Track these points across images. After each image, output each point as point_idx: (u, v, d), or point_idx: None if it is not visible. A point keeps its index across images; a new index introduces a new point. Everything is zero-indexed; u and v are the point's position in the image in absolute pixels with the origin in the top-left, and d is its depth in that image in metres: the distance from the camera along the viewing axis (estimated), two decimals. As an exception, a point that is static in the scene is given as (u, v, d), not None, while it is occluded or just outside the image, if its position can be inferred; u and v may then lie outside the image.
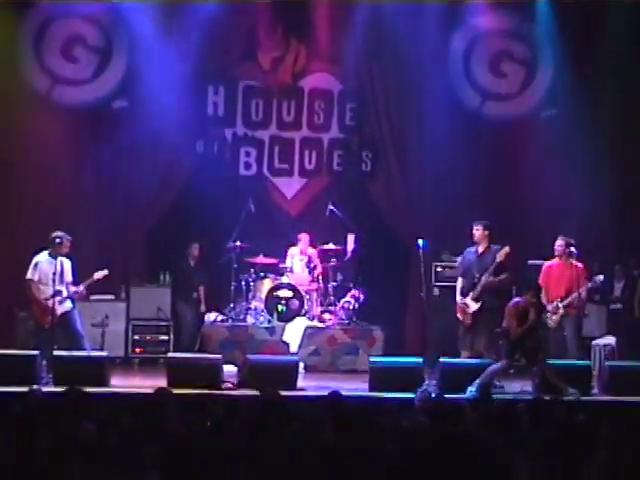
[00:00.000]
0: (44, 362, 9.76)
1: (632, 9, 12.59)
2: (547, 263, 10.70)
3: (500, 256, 10.23)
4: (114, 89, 12.72)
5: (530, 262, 11.96)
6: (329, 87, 13.46)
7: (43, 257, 10.24)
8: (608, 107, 13.09)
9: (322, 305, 12.32)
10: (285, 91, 13.44)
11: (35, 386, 8.30)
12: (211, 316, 12.13)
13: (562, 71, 12.97)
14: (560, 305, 10.35)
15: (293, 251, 12.47)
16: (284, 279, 12.09)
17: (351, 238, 12.57)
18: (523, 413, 5.64)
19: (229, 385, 9.82)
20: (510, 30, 13.28)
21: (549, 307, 10.39)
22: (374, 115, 13.26)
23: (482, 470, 2.06)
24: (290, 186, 13.50)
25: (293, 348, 11.64)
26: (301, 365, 10.81)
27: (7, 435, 4.99)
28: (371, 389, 9.85)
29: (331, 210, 12.58)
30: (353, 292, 12.25)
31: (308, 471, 3.75)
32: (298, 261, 12.37)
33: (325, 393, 6.79)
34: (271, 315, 11.88)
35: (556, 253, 10.55)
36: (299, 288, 11.96)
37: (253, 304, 12.13)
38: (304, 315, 11.98)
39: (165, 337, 12.19)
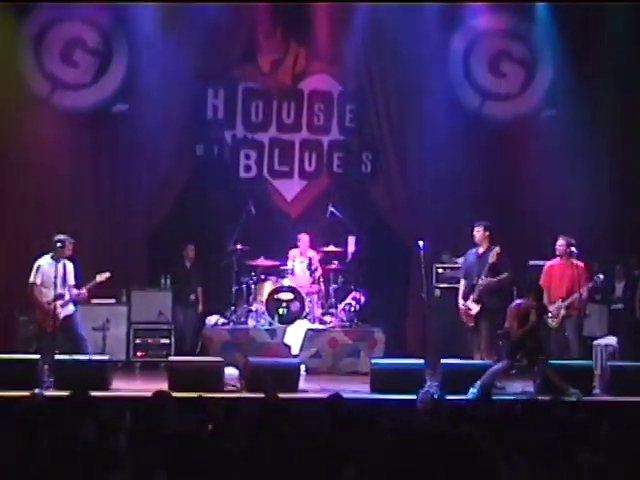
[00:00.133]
0: (45, 366, 9.76)
1: (631, 9, 12.58)
2: (548, 263, 10.70)
3: (492, 257, 10.25)
4: (114, 92, 12.72)
5: (531, 262, 11.97)
6: (329, 89, 13.46)
7: (45, 260, 10.24)
8: (608, 107, 13.09)
9: (323, 307, 12.32)
10: (285, 93, 13.44)
11: (37, 390, 8.32)
12: (212, 319, 12.13)
13: (562, 71, 12.98)
14: (562, 305, 10.35)
15: (294, 253, 12.47)
16: (285, 282, 12.09)
17: (352, 240, 12.56)
18: (520, 414, 5.64)
19: (231, 388, 9.82)
20: (510, 30, 13.29)
21: (551, 308, 10.39)
22: (374, 116, 13.26)
23: (470, 470, 2.05)
24: (290, 188, 13.50)
25: (294, 350, 11.63)
26: (302, 367, 10.81)
27: (9, 438, 4.99)
28: (372, 391, 9.85)
29: (331, 212, 12.57)
30: (354, 294, 12.25)
31: (307, 472, 3.75)
32: (299, 263, 12.36)
33: (326, 395, 6.78)
34: (272, 318, 11.88)
35: (557, 253, 10.56)
36: (300, 290, 11.95)
37: (254, 307, 12.13)
38: (305, 317, 11.98)
39: (166, 341, 12.17)
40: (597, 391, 9.99)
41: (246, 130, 13.36)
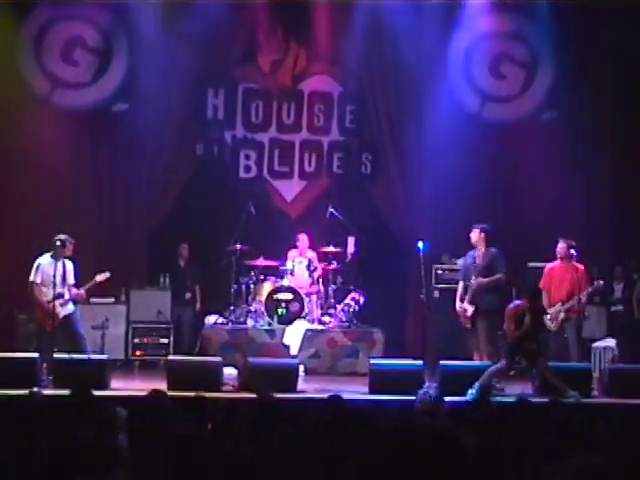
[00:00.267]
0: (44, 365, 9.77)
1: (631, 9, 12.58)
2: (549, 265, 10.70)
3: (479, 258, 10.36)
4: (114, 92, 12.72)
5: (530, 264, 11.98)
6: (329, 89, 13.47)
7: (45, 259, 10.24)
8: (608, 109, 13.10)
9: (322, 308, 12.32)
10: (285, 93, 13.45)
11: (35, 389, 8.31)
12: (211, 319, 12.13)
13: (562, 73, 12.97)
14: (562, 309, 10.36)
15: (293, 254, 12.48)
16: (284, 282, 12.09)
17: (351, 241, 12.56)
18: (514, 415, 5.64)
19: (229, 388, 9.82)
20: (510, 32, 13.28)
21: (550, 311, 10.39)
22: (374, 117, 13.26)
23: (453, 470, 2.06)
24: (290, 189, 13.50)
25: (293, 351, 11.63)
26: (301, 368, 10.81)
27: (7, 436, 4.99)
28: (371, 392, 9.84)
29: (331, 213, 12.58)
30: (353, 294, 12.25)
31: (305, 473, 3.75)
32: (298, 264, 12.36)
33: (325, 396, 6.78)
34: (271, 318, 11.88)
35: (558, 256, 10.56)
36: (299, 291, 11.96)
37: (253, 307, 12.13)
38: (304, 318, 11.98)
39: (165, 340, 12.17)
40: (596, 393, 9.99)
41: (246, 130, 13.37)
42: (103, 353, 10.82)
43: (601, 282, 10.67)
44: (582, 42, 12.80)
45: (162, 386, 8.95)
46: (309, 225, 12.92)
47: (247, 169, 13.42)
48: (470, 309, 10.28)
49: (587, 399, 9.47)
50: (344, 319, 12.17)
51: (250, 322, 12.05)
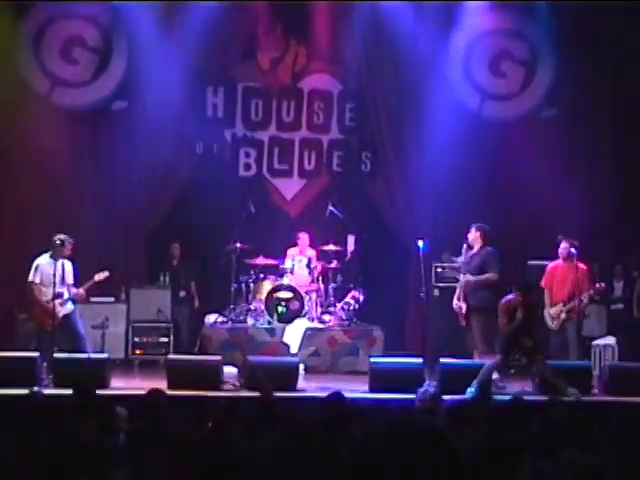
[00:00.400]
0: (44, 364, 9.77)
1: (632, 8, 12.57)
2: (551, 264, 10.70)
3: (464, 256, 10.47)
4: (113, 90, 12.71)
5: (530, 262, 11.97)
6: (328, 88, 13.46)
7: (44, 259, 10.25)
8: (609, 106, 13.09)
9: (322, 306, 12.31)
10: (284, 92, 13.44)
11: (35, 388, 8.31)
12: (211, 318, 12.13)
13: (562, 71, 12.96)
14: (563, 309, 10.36)
15: (293, 252, 12.47)
16: (284, 280, 12.08)
17: (351, 239, 12.56)
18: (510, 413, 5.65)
19: (230, 386, 9.82)
20: (510, 29, 13.27)
21: (552, 310, 10.40)
22: (374, 115, 13.24)
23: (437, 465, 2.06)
24: (290, 187, 13.50)
25: (293, 349, 11.62)
26: (301, 366, 10.81)
27: (8, 437, 4.99)
28: (371, 390, 9.85)
29: (331, 211, 12.57)
30: (353, 293, 12.25)
31: (304, 471, 3.74)
32: (298, 262, 12.36)
33: (325, 394, 6.78)
34: (271, 316, 11.87)
35: (561, 256, 10.55)
36: (299, 289, 11.95)
37: (253, 305, 12.13)
38: (304, 316, 11.97)
39: (165, 339, 12.16)
40: (596, 391, 9.99)
41: (246, 129, 13.36)
42: (103, 352, 10.82)
43: (603, 284, 10.69)
44: (582, 40, 12.79)
45: (162, 385, 8.95)
46: (309, 223, 12.92)
47: (247, 167, 13.42)
48: (464, 307, 10.32)
49: (587, 397, 9.49)
50: (344, 317, 12.17)
51: (250, 321, 12.05)
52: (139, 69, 12.59)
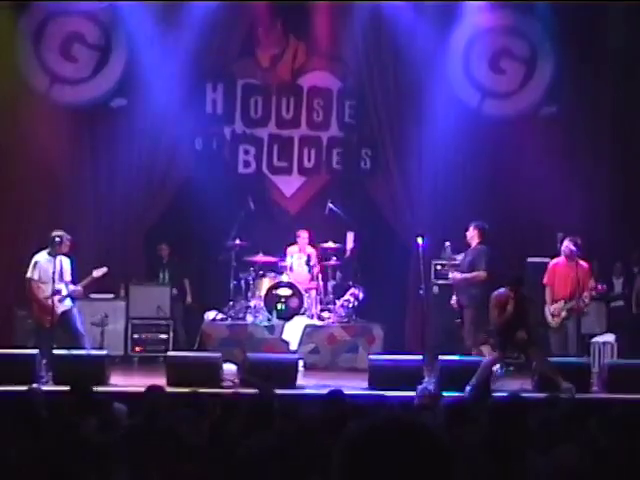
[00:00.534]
0: (44, 361, 9.77)
1: (632, 7, 12.57)
2: (552, 261, 10.70)
3: (444, 253, 10.50)
4: (113, 87, 12.70)
5: (529, 260, 11.97)
6: (328, 85, 13.44)
7: (42, 256, 10.24)
8: (609, 104, 13.08)
9: (321, 303, 12.31)
10: (284, 89, 13.43)
11: (35, 385, 8.31)
12: (210, 315, 12.13)
13: (562, 68, 12.95)
14: (564, 307, 10.37)
15: (292, 249, 12.47)
16: (283, 277, 12.08)
17: (350, 236, 12.55)
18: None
19: (229, 383, 9.82)
20: (510, 27, 13.25)
21: (552, 307, 10.41)
22: (373, 113, 13.23)
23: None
24: (289, 184, 13.49)
25: (293, 346, 11.63)
26: (300, 363, 10.82)
27: (8, 435, 4.99)
28: (371, 387, 9.85)
29: (330, 208, 12.57)
30: (352, 290, 12.24)
31: (304, 469, 3.75)
32: (297, 259, 12.36)
33: (325, 391, 6.78)
34: (270, 313, 11.88)
35: (563, 254, 10.54)
36: (298, 286, 11.95)
37: (252, 302, 12.12)
38: (303, 313, 11.97)
39: (164, 336, 12.16)
40: (595, 388, 9.99)
41: (245, 126, 13.35)
42: (102, 349, 10.81)
43: (604, 287, 10.73)
44: (582, 37, 12.78)
45: (161, 382, 8.95)
46: (308, 220, 12.91)
47: (246, 164, 13.41)
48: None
49: (586, 394, 9.49)
50: (343, 314, 12.17)
51: (249, 318, 12.04)
52: (138, 66, 12.58)
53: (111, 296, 12.14)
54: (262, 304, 11.95)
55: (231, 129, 13.32)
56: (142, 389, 6.38)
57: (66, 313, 10.23)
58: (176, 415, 5.61)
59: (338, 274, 12.48)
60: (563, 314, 10.38)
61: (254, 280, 12.22)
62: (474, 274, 10.34)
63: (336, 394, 6.40)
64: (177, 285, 12.59)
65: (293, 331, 11.75)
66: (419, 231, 11.19)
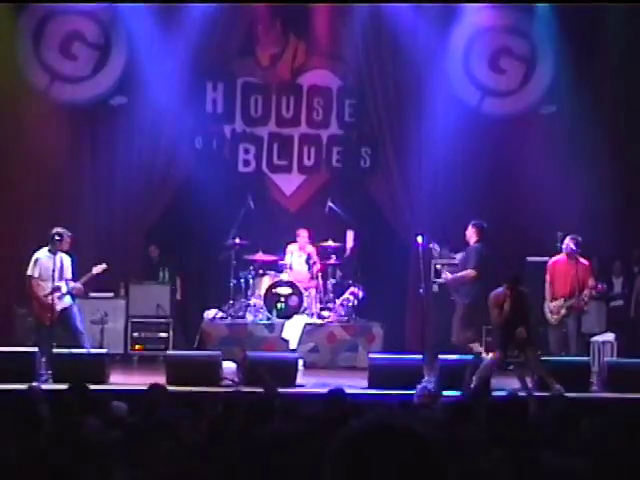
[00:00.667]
0: (43, 359, 9.77)
1: (632, 7, 12.55)
2: (552, 259, 10.71)
3: (434, 252, 10.67)
4: (113, 86, 12.70)
5: (529, 259, 11.97)
6: (328, 83, 13.44)
7: (43, 253, 10.24)
8: (609, 103, 13.08)
9: (321, 302, 12.31)
10: (284, 87, 13.42)
11: (34, 383, 8.31)
12: (210, 313, 12.13)
13: (562, 67, 12.95)
14: (564, 305, 10.37)
15: (292, 248, 12.47)
16: (283, 276, 12.08)
17: (350, 235, 12.56)
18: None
19: (229, 382, 9.82)
20: (510, 26, 13.24)
21: (552, 305, 10.42)
22: (373, 111, 13.22)
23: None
24: (289, 183, 13.48)
25: (292, 345, 11.63)
26: (300, 362, 10.82)
27: (8, 434, 4.99)
28: (370, 386, 9.85)
29: (330, 207, 12.57)
30: (352, 289, 12.25)
31: (304, 468, 3.75)
32: (297, 258, 12.36)
33: (324, 390, 6.78)
34: (270, 312, 11.88)
35: (564, 252, 10.55)
36: (298, 285, 11.96)
37: (252, 301, 12.13)
38: (303, 312, 11.98)
39: (164, 334, 12.17)
40: (595, 388, 10.00)
41: (245, 124, 13.34)
42: (102, 347, 10.82)
43: (604, 286, 10.72)
44: (582, 37, 12.77)
45: (161, 380, 8.94)
46: (308, 219, 12.92)
47: (246, 163, 13.41)
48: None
49: (586, 393, 9.49)
50: (343, 313, 12.17)
51: (249, 316, 12.05)
52: (138, 65, 12.58)
53: (111, 295, 12.15)
54: (262, 303, 11.95)
55: (231, 128, 13.32)
56: (142, 387, 6.38)
57: (66, 311, 10.22)
58: (176, 413, 5.61)
59: (338, 273, 12.49)
60: (562, 312, 10.39)
61: (254, 279, 12.23)
62: (463, 273, 10.35)
63: (337, 393, 6.40)
64: (169, 283, 12.60)
65: (293, 330, 11.75)
66: (419, 230, 11.19)
